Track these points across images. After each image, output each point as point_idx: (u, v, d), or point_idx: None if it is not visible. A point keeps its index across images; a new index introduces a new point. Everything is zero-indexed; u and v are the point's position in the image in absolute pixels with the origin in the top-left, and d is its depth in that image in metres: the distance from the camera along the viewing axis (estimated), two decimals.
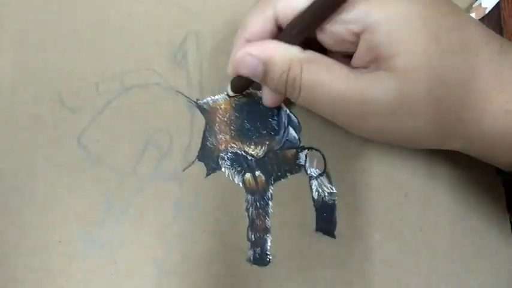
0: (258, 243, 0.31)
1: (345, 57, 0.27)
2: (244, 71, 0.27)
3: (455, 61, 0.24)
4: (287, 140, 0.33)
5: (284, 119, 0.33)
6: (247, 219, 0.31)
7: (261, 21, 0.27)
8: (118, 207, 0.31)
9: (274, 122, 0.33)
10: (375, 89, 0.24)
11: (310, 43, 0.27)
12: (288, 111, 0.33)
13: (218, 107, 0.33)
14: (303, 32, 0.26)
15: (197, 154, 0.33)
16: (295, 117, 0.33)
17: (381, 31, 0.23)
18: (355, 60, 0.26)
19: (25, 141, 0.32)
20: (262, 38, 0.27)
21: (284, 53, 0.26)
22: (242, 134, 0.33)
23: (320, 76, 0.25)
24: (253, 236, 0.31)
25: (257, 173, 0.32)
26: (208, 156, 0.33)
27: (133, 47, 0.34)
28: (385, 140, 0.28)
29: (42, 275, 0.30)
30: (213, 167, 0.32)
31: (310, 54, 0.26)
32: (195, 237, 0.31)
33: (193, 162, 0.32)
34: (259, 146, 0.33)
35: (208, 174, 0.32)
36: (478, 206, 0.32)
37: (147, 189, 0.32)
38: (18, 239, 0.31)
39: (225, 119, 0.33)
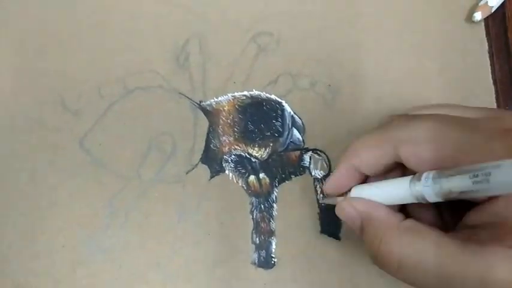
0: (262, 246, 0.31)
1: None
2: (344, 219, 0.26)
3: None
4: (291, 141, 0.33)
5: (288, 121, 0.33)
6: (251, 222, 0.31)
7: (376, 155, 0.24)
8: (121, 211, 0.31)
9: (278, 123, 0.33)
10: (501, 270, 0.20)
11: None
12: (291, 112, 0.33)
13: (221, 108, 0.33)
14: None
15: (201, 157, 0.32)
16: (299, 118, 0.33)
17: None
18: (471, 217, 0.22)
19: (27, 145, 0.32)
20: (372, 172, 0.25)
21: (380, 215, 0.24)
22: (246, 136, 0.33)
23: (425, 252, 0.21)
24: (257, 239, 0.31)
25: (261, 175, 0.32)
26: (211, 159, 0.32)
27: (135, 49, 0.34)
28: None
29: (46, 280, 0.30)
30: (216, 170, 0.32)
31: (412, 223, 0.23)
32: (199, 240, 0.31)
33: (196, 165, 0.32)
34: (263, 148, 0.32)
35: (212, 177, 0.32)
36: None
37: (150, 193, 0.32)
38: (21, 243, 0.31)
39: (229, 120, 0.33)
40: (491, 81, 0.34)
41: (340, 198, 0.26)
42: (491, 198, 0.21)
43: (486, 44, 0.35)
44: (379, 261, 0.23)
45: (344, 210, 0.25)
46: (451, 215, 0.25)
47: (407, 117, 0.24)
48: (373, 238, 0.23)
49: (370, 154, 0.24)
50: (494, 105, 0.34)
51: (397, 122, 0.24)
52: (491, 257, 0.20)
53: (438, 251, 0.21)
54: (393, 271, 0.23)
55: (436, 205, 0.24)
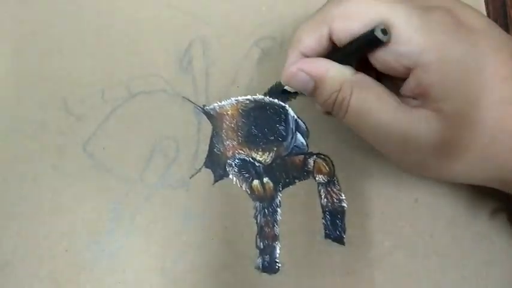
0: (266, 251, 0.31)
1: (396, 79, 0.26)
2: (296, 85, 0.28)
3: (506, 110, 0.23)
4: (295, 146, 0.33)
5: (292, 125, 0.33)
6: (255, 227, 0.31)
7: (316, 37, 0.26)
8: (125, 215, 0.31)
9: (282, 128, 0.33)
10: (419, 126, 0.24)
11: (362, 62, 0.26)
12: (295, 116, 0.33)
13: (225, 113, 0.33)
14: (355, 57, 0.26)
15: (204, 161, 0.32)
16: (303, 122, 0.33)
17: (433, 72, 0.23)
18: (403, 90, 0.25)
19: (31, 149, 0.32)
20: (316, 53, 0.27)
21: (336, 74, 0.26)
22: (249, 140, 0.33)
23: (368, 103, 0.25)
24: (262, 244, 0.31)
25: (265, 179, 0.32)
26: (215, 163, 0.32)
27: (139, 53, 0.34)
28: (423, 176, 0.28)
29: (50, 284, 0.30)
30: (220, 174, 0.32)
31: (362, 77, 0.26)
32: (203, 245, 0.31)
33: (200, 169, 0.32)
34: (267, 153, 0.32)
35: (215, 181, 0.32)
36: (488, 211, 0.32)
37: (154, 197, 0.32)
38: (25, 248, 0.31)
39: (232, 125, 0.33)
40: None
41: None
42: (410, 72, 0.24)
43: None
44: (334, 109, 0.26)
45: (293, 74, 0.27)
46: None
47: None
48: (326, 91, 0.26)
49: (311, 38, 0.26)
50: None
51: (331, 2, 0.26)
52: (415, 116, 0.24)
53: (378, 103, 0.25)
54: (340, 117, 0.26)
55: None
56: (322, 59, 0.27)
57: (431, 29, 0.23)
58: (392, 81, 0.26)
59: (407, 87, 0.25)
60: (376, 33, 0.23)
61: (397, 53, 0.24)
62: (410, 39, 0.23)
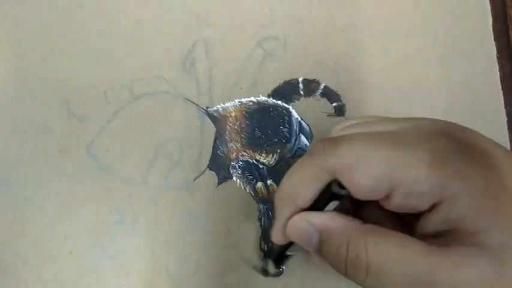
0: (271, 253, 0.31)
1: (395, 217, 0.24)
2: (297, 238, 0.24)
3: None
4: (299, 147, 0.33)
5: (295, 127, 0.33)
6: (259, 229, 0.31)
7: (316, 189, 0.23)
8: (129, 217, 0.31)
9: (286, 129, 0.33)
10: (468, 269, 0.20)
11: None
12: (299, 118, 0.33)
13: (228, 114, 0.33)
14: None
15: (208, 163, 0.32)
16: (307, 124, 0.33)
17: (462, 204, 0.21)
18: (423, 227, 0.22)
19: (34, 152, 0.32)
20: (309, 204, 0.24)
21: (341, 223, 0.23)
22: (253, 142, 0.33)
23: (392, 253, 0.21)
24: (266, 246, 0.31)
25: (269, 181, 0.32)
26: (219, 165, 0.32)
27: (141, 54, 0.34)
28: None
29: (54, 286, 0.30)
30: (224, 176, 0.32)
31: (373, 227, 0.22)
32: (207, 247, 0.31)
33: (204, 171, 0.32)
34: (271, 154, 0.32)
35: (219, 184, 0.32)
36: None
37: (158, 199, 0.32)
38: (29, 250, 0.31)
39: (236, 127, 0.33)
40: (499, 85, 0.34)
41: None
42: (433, 207, 0.21)
43: (494, 47, 0.35)
44: (348, 269, 0.22)
45: (298, 226, 0.23)
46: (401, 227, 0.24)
47: (332, 142, 0.23)
48: (337, 247, 0.22)
49: (308, 192, 0.23)
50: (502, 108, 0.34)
51: (322, 151, 0.23)
52: (458, 257, 0.20)
53: (404, 251, 0.21)
54: (362, 278, 0.22)
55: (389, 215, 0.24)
56: (325, 212, 0.23)
57: (441, 160, 0.21)
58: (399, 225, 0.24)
59: (430, 224, 0.22)
60: (333, 189, 0.22)
61: (418, 195, 0.21)
62: (428, 176, 0.21)
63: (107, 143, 0.32)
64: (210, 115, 0.33)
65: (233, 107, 0.33)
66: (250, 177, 0.32)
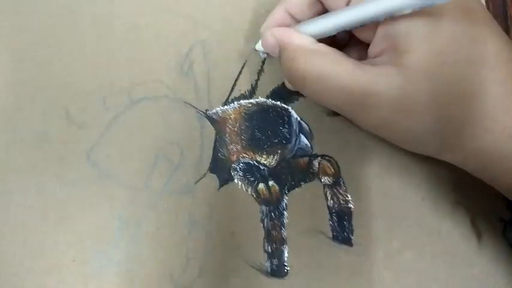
0: (275, 255, 0.31)
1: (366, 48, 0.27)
2: (266, 49, 0.29)
3: (468, 72, 0.23)
4: (299, 148, 0.32)
5: (295, 127, 0.33)
6: (262, 231, 0.31)
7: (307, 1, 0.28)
8: (132, 223, 0.31)
9: (285, 130, 0.33)
10: (379, 83, 0.23)
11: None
12: (298, 118, 0.33)
13: (228, 117, 0.33)
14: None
15: (209, 166, 0.32)
16: (306, 124, 0.33)
17: (402, 22, 0.23)
18: (371, 48, 0.26)
19: (33, 160, 0.32)
20: (303, 15, 0.28)
21: (294, 41, 0.27)
22: (253, 144, 0.32)
23: (325, 68, 0.25)
24: (269, 248, 0.31)
25: (270, 182, 0.32)
26: (220, 168, 0.32)
27: (139, 59, 0.34)
28: (386, 137, 0.27)
29: None
30: (225, 179, 0.32)
31: (321, 46, 0.26)
32: (211, 251, 0.31)
33: (205, 174, 0.32)
34: (271, 155, 0.32)
35: (221, 186, 0.32)
36: (496, 208, 0.32)
37: (159, 204, 0.31)
38: (31, 259, 0.31)
39: (236, 129, 0.33)
40: None
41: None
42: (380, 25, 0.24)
43: None
44: (290, 78, 0.27)
45: (265, 38, 0.28)
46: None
47: None
48: (286, 59, 0.26)
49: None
50: None
51: None
52: (375, 73, 0.23)
53: (334, 67, 0.24)
54: (300, 86, 0.26)
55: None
56: (292, 29, 0.28)
57: None
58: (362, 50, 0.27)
59: (374, 42, 0.25)
60: None
61: None
62: None
63: (106, 149, 0.32)
64: (209, 118, 0.33)
65: (232, 109, 0.33)
66: (252, 179, 0.32)
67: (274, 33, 0.28)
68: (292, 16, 0.29)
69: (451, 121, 0.24)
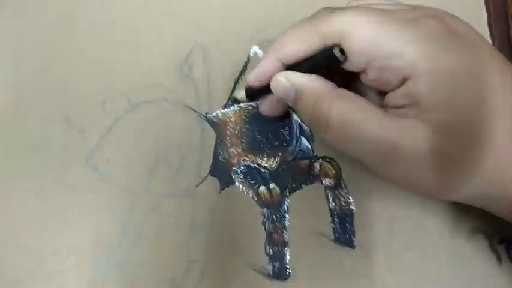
0: (276, 257, 0.31)
1: (378, 94, 0.27)
2: (278, 92, 0.27)
3: (494, 126, 0.23)
4: (300, 150, 0.32)
5: (296, 129, 0.33)
6: (264, 234, 0.31)
7: (301, 47, 0.26)
8: (133, 227, 0.31)
9: (286, 132, 0.33)
10: (407, 135, 0.23)
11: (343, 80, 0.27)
12: (299, 121, 0.33)
13: (228, 119, 0.33)
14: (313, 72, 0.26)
15: (209, 169, 0.32)
16: (307, 127, 0.33)
17: (425, 81, 0.23)
18: (390, 99, 0.25)
19: (33, 164, 0.32)
20: (295, 61, 0.27)
21: (315, 85, 0.26)
22: (254, 147, 0.32)
23: (351, 114, 0.24)
24: (271, 250, 0.31)
25: (271, 185, 0.32)
26: (221, 171, 0.32)
27: (138, 62, 0.34)
28: (411, 189, 0.28)
29: None
30: (226, 182, 0.32)
31: (344, 91, 0.25)
32: (212, 254, 0.31)
33: (206, 177, 0.32)
34: (272, 158, 0.32)
35: (222, 189, 0.32)
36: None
37: (160, 208, 0.31)
38: (33, 265, 0.30)
39: (236, 131, 0.33)
40: None
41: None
42: (402, 83, 0.24)
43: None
44: (311, 123, 0.26)
45: (279, 82, 0.27)
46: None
47: (331, 10, 0.26)
48: (307, 104, 0.26)
49: (296, 48, 0.26)
50: None
51: (321, 15, 0.26)
52: (404, 125, 0.23)
53: (361, 114, 0.24)
54: (322, 132, 0.26)
55: None
56: (306, 74, 0.26)
57: (422, 39, 0.23)
58: (376, 95, 0.27)
59: (395, 96, 0.24)
60: (334, 52, 0.24)
61: (393, 69, 0.23)
62: (404, 51, 0.23)
63: (107, 153, 0.32)
64: (210, 121, 0.33)
65: (232, 112, 0.33)
66: (253, 182, 0.32)
67: (288, 77, 0.26)
68: (284, 64, 0.27)
69: (462, 169, 0.24)
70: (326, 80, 0.26)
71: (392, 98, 0.25)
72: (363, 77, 0.26)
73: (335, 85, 0.26)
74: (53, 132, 0.32)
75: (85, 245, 0.31)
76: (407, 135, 0.23)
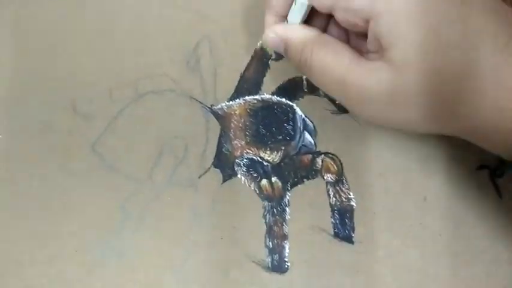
0: (276, 250, 0.31)
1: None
2: (270, 46, 0.30)
3: (453, 55, 0.23)
4: (303, 145, 0.33)
5: (299, 124, 0.33)
6: (264, 226, 0.31)
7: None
8: (134, 214, 0.31)
9: (290, 127, 0.33)
10: (370, 78, 0.25)
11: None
12: (303, 115, 0.33)
13: (233, 112, 0.33)
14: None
15: (213, 160, 0.32)
16: (311, 121, 0.33)
17: (381, 22, 0.24)
18: (368, 45, 0.26)
19: (38, 150, 0.32)
20: (287, 10, 0.29)
21: (300, 35, 0.28)
22: (257, 140, 0.33)
23: (326, 58, 0.26)
24: (271, 243, 0.31)
25: (273, 179, 0.32)
26: (224, 163, 0.32)
27: (146, 53, 0.34)
28: (383, 125, 0.29)
29: (60, 284, 0.30)
30: (229, 174, 0.32)
31: (324, 37, 0.28)
32: (212, 244, 0.31)
33: (209, 169, 0.32)
34: (275, 152, 0.32)
35: (224, 181, 0.32)
36: (498, 209, 0.32)
37: (163, 197, 0.32)
38: (34, 248, 0.31)
39: (240, 124, 0.33)
40: None
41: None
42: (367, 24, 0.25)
43: None
44: (300, 70, 0.28)
45: (268, 38, 0.29)
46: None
47: None
48: (294, 53, 0.28)
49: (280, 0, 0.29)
50: None
51: None
52: (367, 68, 0.25)
53: (334, 58, 0.26)
54: (308, 74, 0.28)
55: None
56: (293, 25, 0.29)
57: None
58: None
59: (369, 42, 0.26)
60: None
61: (352, 10, 0.25)
62: None
63: (112, 141, 0.33)
64: (215, 113, 0.33)
65: (237, 105, 0.33)
66: (255, 175, 0.32)
67: (275, 31, 0.29)
68: (283, 17, 0.29)
69: (443, 105, 0.24)
70: (310, 28, 0.28)
71: (368, 44, 0.26)
72: (336, 19, 0.27)
73: (319, 31, 0.28)
74: (59, 118, 0.33)
75: (87, 231, 0.31)
76: (372, 76, 0.25)
